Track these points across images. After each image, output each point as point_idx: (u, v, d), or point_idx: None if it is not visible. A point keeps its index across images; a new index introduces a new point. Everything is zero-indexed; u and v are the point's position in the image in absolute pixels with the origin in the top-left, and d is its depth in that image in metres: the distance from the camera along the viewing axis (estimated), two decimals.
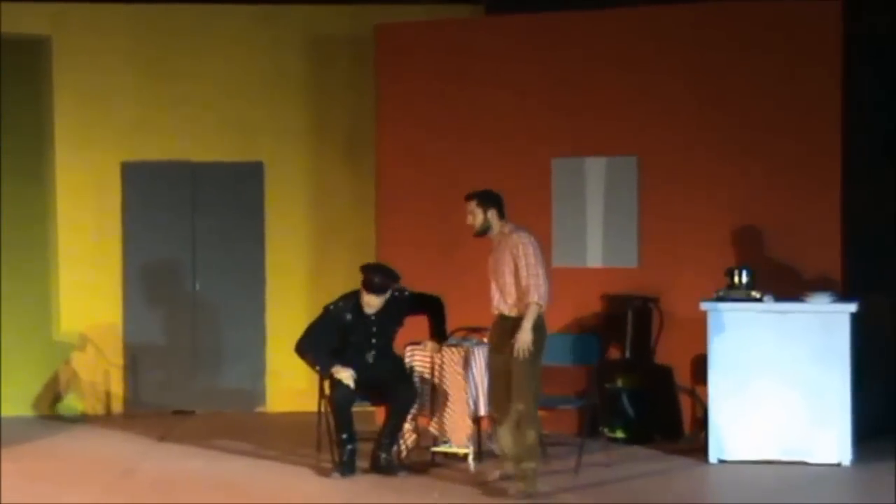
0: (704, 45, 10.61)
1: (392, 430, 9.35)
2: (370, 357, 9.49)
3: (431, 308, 9.57)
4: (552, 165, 10.99)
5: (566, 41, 10.99)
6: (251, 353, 12.33)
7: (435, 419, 9.48)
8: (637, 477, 9.29)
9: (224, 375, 12.34)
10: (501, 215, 8.79)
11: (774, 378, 9.54)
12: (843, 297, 9.78)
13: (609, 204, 10.86)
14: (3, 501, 8.54)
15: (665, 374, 10.58)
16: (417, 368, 9.51)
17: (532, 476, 8.62)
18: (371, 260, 10.50)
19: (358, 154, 12.22)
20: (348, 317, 9.43)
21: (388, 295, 9.40)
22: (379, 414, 9.98)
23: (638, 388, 10.51)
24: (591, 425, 9.86)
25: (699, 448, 9.87)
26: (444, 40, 11.35)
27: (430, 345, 9.49)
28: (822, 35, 10.25)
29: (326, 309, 9.52)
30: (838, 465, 9.43)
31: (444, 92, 11.26)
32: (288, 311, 12.04)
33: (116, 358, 12.24)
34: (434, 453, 9.63)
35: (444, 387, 9.43)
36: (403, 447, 9.50)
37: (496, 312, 8.78)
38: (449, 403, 9.42)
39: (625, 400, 10.49)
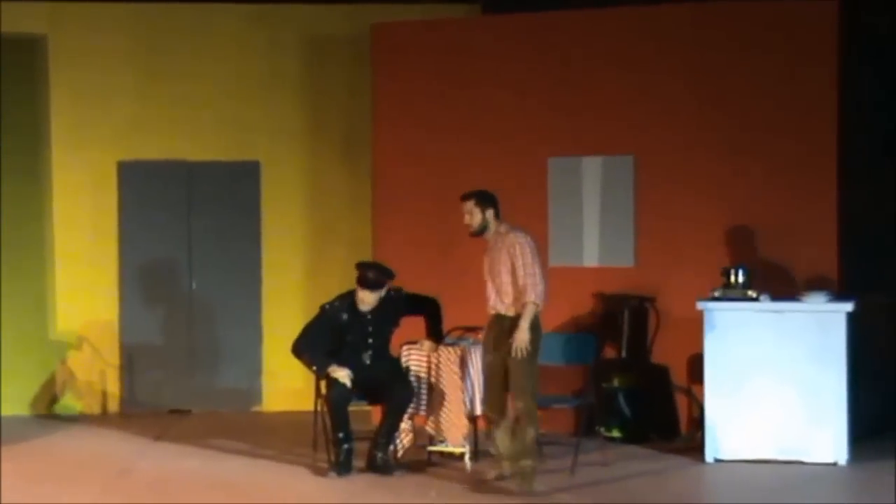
0: (701, 45, 10.60)
1: (388, 430, 9.36)
2: (367, 358, 9.49)
3: (428, 310, 9.57)
4: (549, 165, 10.99)
5: (563, 40, 10.98)
6: (248, 353, 12.33)
7: (431, 418, 9.48)
8: (633, 476, 9.29)
9: (220, 375, 12.34)
10: (497, 215, 8.81)
11: (771, 377, 9.54)
12: (839, 296, 9.78)
13: (606, 203, 10.86)
14: (2, 501, 8.54)
15: (661, 373, 10.58)
16: (414, 368, 9.51)
17: (530, 474, 8.64)
18: (367, 259, 10.50)
19: (355, 153, 12.22)
20: (344, 316, 9.43)
21: (382, 293, 9.41)
22: (375, 413, 9.97)
23: (634, 387, 10.51)
24: (588, 425, 9.86)
25: (695, 447, 9.87)
26: (440, 40, 11.34)
27: (426, 344, 9.49)
28: (818, 35, 10.25)
29: (322, 308, 9.53)
30: (834, 464, 9.43)
31: (440, 91, 11.26)
32: (284, 311, 12.04)
33: (113, 357, 12.24)
34: (430, 453, 9.63)
35: (441, 386, 9.43)
36: (400, 446, 9.50)
37: (492, 312, 8.80)
38: (445, 403, 9.42)
39: (621, 399, 10.50)
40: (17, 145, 12.03)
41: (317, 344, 9.43)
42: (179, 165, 12.26)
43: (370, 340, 9.49)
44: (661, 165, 10.69)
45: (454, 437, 9.43)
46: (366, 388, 9.34)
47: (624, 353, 10.60)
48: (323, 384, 9.49)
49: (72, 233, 12.17)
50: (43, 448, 10.60)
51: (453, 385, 9.40)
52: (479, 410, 9.34)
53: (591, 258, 10.90)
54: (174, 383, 12.29)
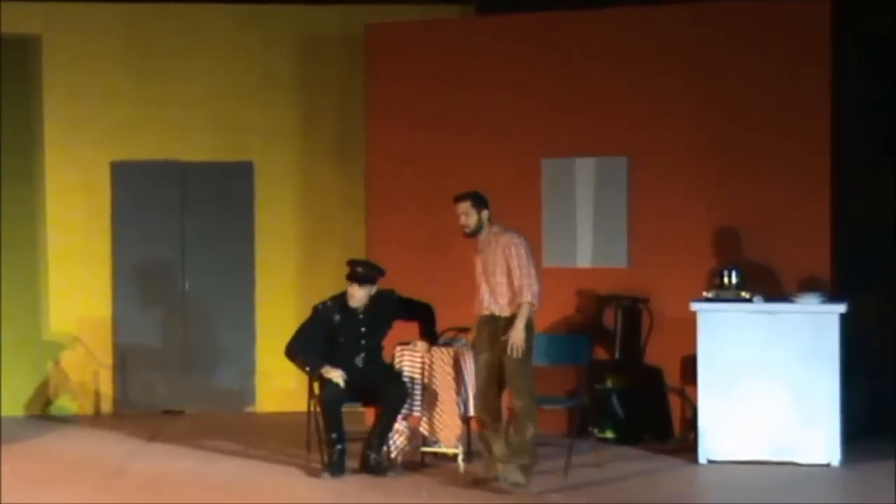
0: (696, 45, 10.60)
1: (382, 431, 9.35)
2: (359, 361, 9.48)
3: (422, 314, 9.57)
4: (542, 165, 10.99)
5: (557, 41, 10.98)
6: (241, 353, 12.32)
7: (424, 419, 9.49)
8: (626, 477, 9.29)
9: (214, 375, 12.33)
10: (489, 216, 8.82)
11: (764, 378, 9.55)
12: (832, 297, 9.79)
13: (599, 204, 10.86)
14: (2, 502, 8.55)
15: (655, 374, 10.59)
16: (407, 369, 9.50)
17: (528, 471, 8.67)
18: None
19: (348, 154, 12.21)
20: (336, 317, 9.43)
21: (373, 290, 9.41)
22: (369, 414, 9.97)
23: (627, 388, 10.52)
24: (581, 426, 9.87)
25: (688, 448, 9.88)
26: (434, 40, 11.34)
27: (420, 344, 9.49)
28: (812, 35, 10.25)
29: (315, 309, 9.53)
30: (827, 465, 9.44)
31: (434, 92, 11.26)
32: (278, 311, 12.04)
33: (106, 358, 12.22)
34: (424, 453, 9.63)
35: (434, 387, 9.43)
36: (393, 447, 9.49)
37: (486, 313, 8.81)
38: (438, 404, 9.42)
39: (614, 400, 10.50)
40: (9, 145, 12.02)
41: (310, 345, 9.43)
42: (172, 166, 12.25)
43: (363, 342, 9.49)
44: (655, 166, 10.69)
45: (447, 438, 9.43)
46: (359, 390, 9.34)
47: (617, 354, 10.60)
48: (316, 385, 9.48)
49: (65, 233, 12.16)
50: (36, 448, 10.58)
51: (446, 386, 9.40)
52: (472, 412, 9.35)
53: (584, 259, 10.90)
54: (167, 384, 12.28)
